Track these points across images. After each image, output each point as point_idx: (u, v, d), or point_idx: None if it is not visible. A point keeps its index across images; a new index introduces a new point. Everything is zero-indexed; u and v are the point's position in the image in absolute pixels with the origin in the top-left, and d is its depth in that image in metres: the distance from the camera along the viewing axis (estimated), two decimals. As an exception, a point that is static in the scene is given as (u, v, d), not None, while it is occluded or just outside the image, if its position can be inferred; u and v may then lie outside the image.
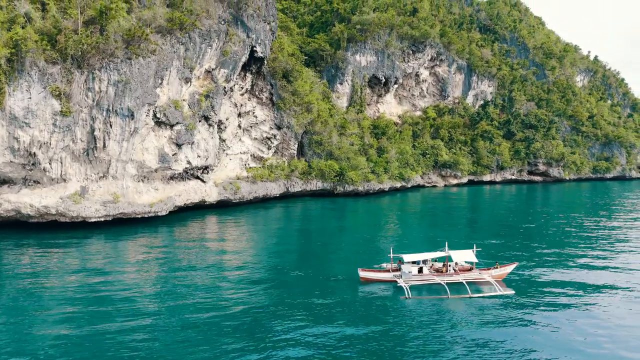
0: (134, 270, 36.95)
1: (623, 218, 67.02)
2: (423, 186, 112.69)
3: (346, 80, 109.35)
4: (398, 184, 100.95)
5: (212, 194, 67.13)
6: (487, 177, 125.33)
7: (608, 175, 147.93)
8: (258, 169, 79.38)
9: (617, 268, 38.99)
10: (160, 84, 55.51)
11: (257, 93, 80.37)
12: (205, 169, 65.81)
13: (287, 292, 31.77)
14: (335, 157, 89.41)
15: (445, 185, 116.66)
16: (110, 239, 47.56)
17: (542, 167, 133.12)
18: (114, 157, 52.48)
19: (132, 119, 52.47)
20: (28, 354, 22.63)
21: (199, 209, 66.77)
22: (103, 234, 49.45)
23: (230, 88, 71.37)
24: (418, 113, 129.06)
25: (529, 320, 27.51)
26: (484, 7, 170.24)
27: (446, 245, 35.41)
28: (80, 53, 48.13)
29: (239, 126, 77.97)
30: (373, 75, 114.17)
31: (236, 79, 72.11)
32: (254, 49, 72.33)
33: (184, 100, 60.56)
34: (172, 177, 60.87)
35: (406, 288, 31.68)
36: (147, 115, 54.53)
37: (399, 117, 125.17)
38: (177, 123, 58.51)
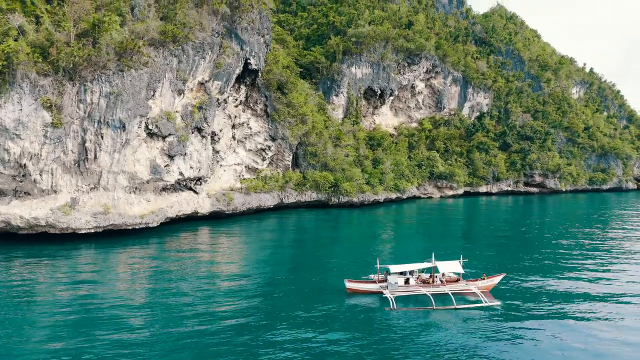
0: (123, 282, 36.76)
1: (616, 230, 66.89)
2: (419, 197, 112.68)
3: (342, 92, 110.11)
4: (393, 195, 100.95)
5: (204, 206, 67.10)
6: (483, 189, 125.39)
7: (604, 187, 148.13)
8: (252, 180, 79.46)
9: (607, 280, 38.81)
10: (153, 95, 55.82)
11: (251, 105, 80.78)
12: (198, 180, 65.85)
13: (272, 305, 31.57)
14: (330, 168, 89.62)
15: (441, 197, 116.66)
16: (100, 250, 47.40)
17: (538, 179, 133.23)
18: (105, 168, 52.55)
19: (124, 130, 52.67)
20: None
21: (191, 220, 66.68)
22: (93, 245, 49.30)
23: (224, 100, 71.73)
24: (414, 125, 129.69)
25: (512, 333, 27.31)
26: (479, 20, 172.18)
27: (433, 256, 35.31)
28: (72, 65, 48.50)
29: (233, 137, 78.21)
30: (369, 87, 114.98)
31: (230, 90, 72.51)
32: (248, 61, 72.85)
33: (176, 111, 60.85)
34: (164, 189, 60.88)
35: (391, 299, 31.51)
36: (139, 127, 54.74)
37: (395, 128, 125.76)
38: (170, 134, 58.71)
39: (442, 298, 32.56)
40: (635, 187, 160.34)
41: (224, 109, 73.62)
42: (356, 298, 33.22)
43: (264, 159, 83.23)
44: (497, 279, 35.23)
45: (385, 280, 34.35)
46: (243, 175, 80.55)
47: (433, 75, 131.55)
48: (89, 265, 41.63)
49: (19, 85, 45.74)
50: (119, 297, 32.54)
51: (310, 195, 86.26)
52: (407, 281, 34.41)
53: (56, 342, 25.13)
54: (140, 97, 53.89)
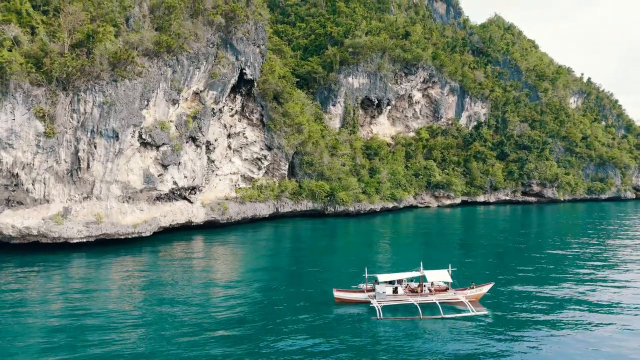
0: (114, 291, 36.64)
1: (612, 239, 66.60)
2: (416, 207, 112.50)
3: (339, 101, 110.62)
4: (390, 205, 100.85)
5: (199, 215, 67.08)
6: (480, 198, 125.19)
7: (603, 196, 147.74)
8: (247, 190, 79.52)
9: (596, 290, 38.57)
10: (147, 105, 56.11)
11: (247, 114, 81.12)
12: (193, 189, 65.92)
13: (260, 315, 31.40)
14: (326, 177, 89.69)
15: (438, 206, 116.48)
16: (93, 260, 47.29)
17: (536, 188, 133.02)
18: (98, 177, 52.67)
19: (117, 140, 52.88)
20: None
21: (185, 230, 66.60)
22: (85, 255, 49.23)
23: (220, 109, 72.03)
24: (411, 134, 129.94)
25: (498, 342, 27.10)
26: (477, 31, 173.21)
27: (421, 265, 35.17)
28: (65, 75, 48.86)
29: (229, 147, 78.43)
30: (366, 96, 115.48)
31: (225, 100, 72.86)
32: (244, 71, 73.31)
33: (170, 121, 61.11)
34: (158, 198, 60.93)
35: (378, 309, 31.33)
36: (132, 136, 54.95)
37: (392, 138, 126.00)
38: (164, 144, 58.90)
39: (429, 307, 32.37)
40: (634, 197, 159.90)
41: (219, 119, 73.92)
42: (344, 308, 33.05)
43: (259, 168, 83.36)
44: (485, 288, 35.06)
45: (374, 290, 34.20)
46: (239, 185, 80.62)
47: (430, 85, 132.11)
48: (81, 275, 41.52)
49: (12, 95, 46.06)
50: (110, 307, 32.39)
51: (306, 205, 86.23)
52: (395, 290, 34.25)
53: (47, 353, 24.93)
54: (134, 107, 54.17)
